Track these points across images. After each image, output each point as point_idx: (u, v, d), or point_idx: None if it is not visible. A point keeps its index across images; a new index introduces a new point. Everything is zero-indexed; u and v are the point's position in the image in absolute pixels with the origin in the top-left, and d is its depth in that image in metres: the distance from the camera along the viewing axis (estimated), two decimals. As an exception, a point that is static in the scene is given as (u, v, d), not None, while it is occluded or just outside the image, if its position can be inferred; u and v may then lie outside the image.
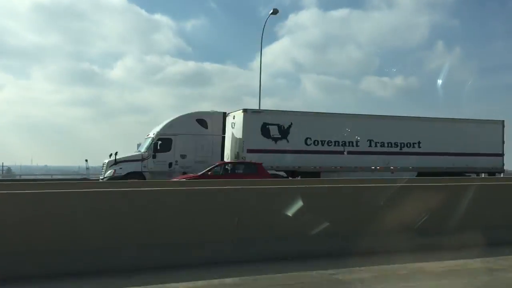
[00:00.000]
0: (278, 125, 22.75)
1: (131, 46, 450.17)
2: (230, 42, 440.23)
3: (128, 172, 21.70)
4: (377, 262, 6.38)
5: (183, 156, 22.66)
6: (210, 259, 6.24)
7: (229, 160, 22.17)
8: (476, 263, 6.54)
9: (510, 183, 9.24)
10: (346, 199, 7.45)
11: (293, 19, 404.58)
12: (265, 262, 6.27)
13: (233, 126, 23.25)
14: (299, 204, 6.85)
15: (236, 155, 22.43)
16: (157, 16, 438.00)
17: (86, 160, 30.22)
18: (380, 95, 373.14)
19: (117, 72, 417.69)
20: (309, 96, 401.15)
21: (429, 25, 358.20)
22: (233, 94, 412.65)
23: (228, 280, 5.57)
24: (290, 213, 6.79)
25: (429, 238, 7.15)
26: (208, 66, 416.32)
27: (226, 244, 6.44)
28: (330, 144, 23.32)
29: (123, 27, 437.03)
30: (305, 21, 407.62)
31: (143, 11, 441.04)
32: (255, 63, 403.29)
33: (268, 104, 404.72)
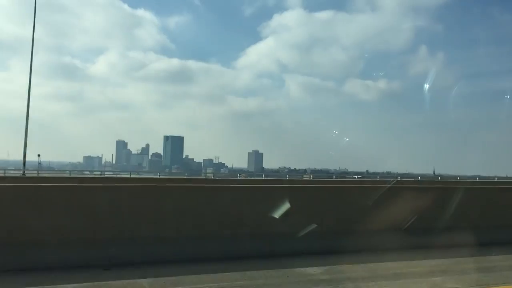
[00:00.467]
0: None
1: (114, 41, 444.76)
2: (214, 40, 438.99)
3: None
4: (367, 260, 6.51)
5: None
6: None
7: None
8: (463, 262, 6.66)
9: (497, 186, 9.34)
10: (335, 199, 7.51)
11: (277, 19, 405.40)
12: (258, 258, 6.37)
13: None
14: (288, 203, 6.88)
15: None
16: (140, 12, 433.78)
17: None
18: (364, 98, 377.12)
19: (99, 67, 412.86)
20: (293, 97, 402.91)
21: (413, 30, 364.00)
22: (217, 93, 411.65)
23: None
24: (279, 212, 6.81)
25: (417, 238, 7.26)
26: (192, 64, 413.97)
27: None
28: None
29: (105, 21, 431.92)
30: (290, 21, 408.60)
31: (126, 6, 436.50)
32: (239, 62, 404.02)
33: (253, 103, 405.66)
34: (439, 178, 35.81)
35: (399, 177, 32.27)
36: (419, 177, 33.58)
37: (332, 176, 36.81)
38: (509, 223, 8.03)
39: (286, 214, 6.81)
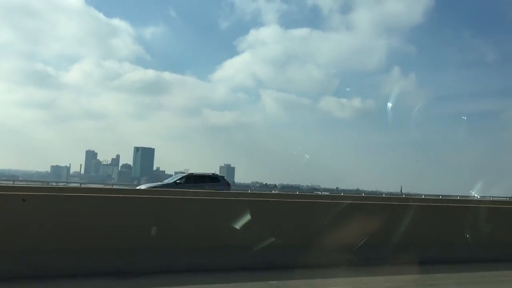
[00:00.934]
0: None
1: (88, 50, 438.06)
2: (189, 52, 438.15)
3: None
4: (319, 275, 6.65)
5: None
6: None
7: None
8: (411, 280, 6.84)
9: (447, 205, 9.60)
10: (294, 213, 7.65)
11: (254, 34, 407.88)
12: (214, 272, 6.44)
13: None
14: (246, 216, 6.96)
15: None
16: (116, 21, 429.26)
17: None
18: (339, 115, 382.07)
19: (73, 75, 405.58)
20: (269, 112, 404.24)
21: (386, 50, 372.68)
22: (192, 105, 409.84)
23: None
24: (237, 225, 6.89)
25: (369, 255, 7.43)
26: (167, 75, 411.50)
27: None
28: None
29: (80, 29, 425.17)
30: (266, 37, 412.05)
31: (101, 15, 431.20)
32: (215, 76, 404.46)
33: (229, 117, 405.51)
34: (403, 195, 36.44)
35: (363, 194, 32.69)
36: (383, 195, 34.14)
37: (300, 192, 37.06)
38: (456, 241, 8.24)
39: (243, 227, 6.87)
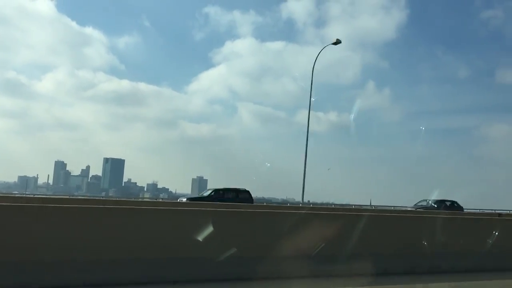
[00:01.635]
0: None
1: (61, 59, 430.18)
2: (165, 63, 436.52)
3: None
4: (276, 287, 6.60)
5: None
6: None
7: None
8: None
9: (401, 215, 9.65)
10: (251, 224, 7.51)
11: (229, 46, 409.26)
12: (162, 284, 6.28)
13: None
14: (204, 228, 6.81)
15: None
16: (89, 30, 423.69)
17: None
18: (315, 129, 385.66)
19: (46, 84, 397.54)
20: (246, 125, 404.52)
21: (361, 65, 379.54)
22: (168, 117, 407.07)
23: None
24: (196, 237, 6.74)
25: (324, 265, 7.34)
26: (143, 86, 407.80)
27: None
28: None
29: (52, 37, 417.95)
30: (242, 50, 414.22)
31: (74, 23, 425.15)
32: (191, 87, 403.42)
33: (205, 129, 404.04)
34: (373, 207, 36.86)
35: (334, 205, 32.97)
36: (353, 206, 34.54)
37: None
38: (410, 251, 8.23)
39: (201, 239, 6.72)
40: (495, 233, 8.87)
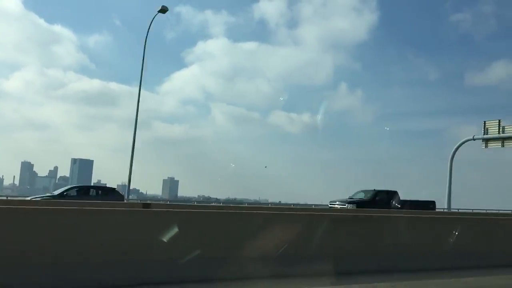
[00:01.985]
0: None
1: (29, 57, 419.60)
2: (136, 63, 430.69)
3: None
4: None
5: None
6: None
7: None
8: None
9: (364, 214, 9.71)
10: (214, 225, 7.40)
11: (201, 46, 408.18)
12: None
13: None
14: (167, 229, 6.70)
15: None
16: (57, 28, 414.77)
17: None
18: (288, 130, 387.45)
19: (14, 83, 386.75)
20: (219, 126, 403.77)
21: (333, 66, 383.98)
22: (141, 118, 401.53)
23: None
24: (150, 238, 6.63)
25: (286, 266, 7.29)
26: (114, 86, 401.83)
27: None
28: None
29: (20, 35, 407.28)
30: (214, 50, 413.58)
31: (42, 21, 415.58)
32: (164, 88, 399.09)
33: (178, 130, 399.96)
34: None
35: (310, 206, 33.02)
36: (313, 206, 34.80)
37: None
38: (377, 251, 8.28)
39: (163, 240, 6.59)
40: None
